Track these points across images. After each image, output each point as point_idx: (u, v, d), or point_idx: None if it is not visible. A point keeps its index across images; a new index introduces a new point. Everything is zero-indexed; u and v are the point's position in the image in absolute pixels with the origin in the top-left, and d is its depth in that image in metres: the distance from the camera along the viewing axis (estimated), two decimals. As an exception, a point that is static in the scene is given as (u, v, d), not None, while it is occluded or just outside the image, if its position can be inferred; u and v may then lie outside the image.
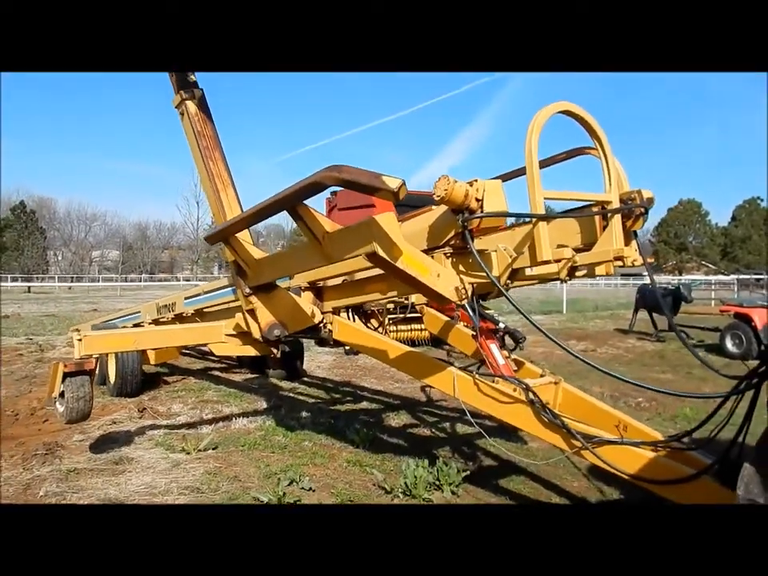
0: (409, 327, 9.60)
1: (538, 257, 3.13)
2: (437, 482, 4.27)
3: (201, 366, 9.49)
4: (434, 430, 5.89)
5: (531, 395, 3.53)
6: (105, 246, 68.89)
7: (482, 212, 3.07)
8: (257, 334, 4.57)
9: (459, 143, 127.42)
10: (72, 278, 54.32)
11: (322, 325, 4.72)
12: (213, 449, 5.15)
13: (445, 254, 3.54)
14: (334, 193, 12.45)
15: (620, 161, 3.38)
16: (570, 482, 4.54)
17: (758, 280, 26.67)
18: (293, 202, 3.27)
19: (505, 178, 3.69)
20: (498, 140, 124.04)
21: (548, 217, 3.15)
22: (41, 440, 5.33)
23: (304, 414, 6.40)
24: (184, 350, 9.12)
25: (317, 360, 10.16)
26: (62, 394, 4.59)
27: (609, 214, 3.23)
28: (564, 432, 3.35)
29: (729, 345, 10.98)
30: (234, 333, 5.21)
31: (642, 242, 3.42)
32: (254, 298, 4.49)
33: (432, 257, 3.47)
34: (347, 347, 11.04)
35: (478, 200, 3.07)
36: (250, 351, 6.32)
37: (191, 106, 4.53)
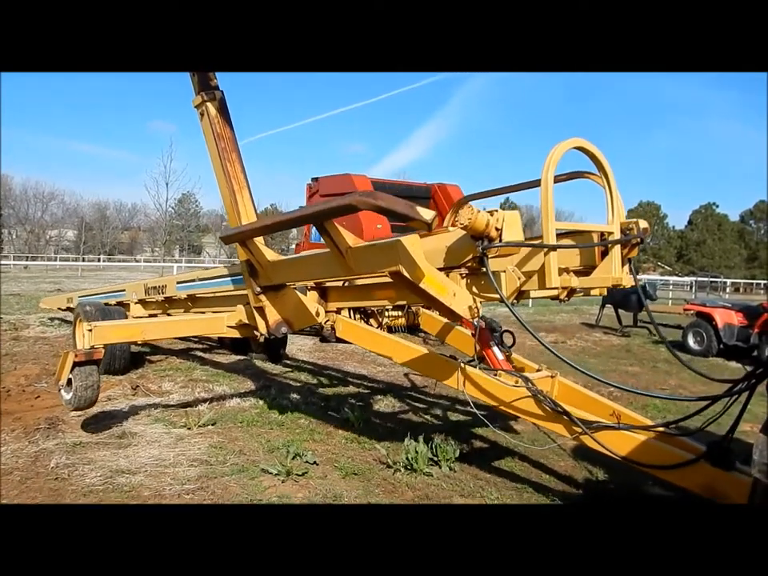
0: (386, 315, 9.89)
1: (546, 283, 3.39)
2: (434, 459, 4.51)
3: (182, 346, 9.51)
4: (422, 414, 6.11)
5: (532, 386, 3.79)
6: (62, 225, 66.83)
7: (500, 241, 3.34)
8: (263, 330, 4.75)
9: (422, 136, 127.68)
10: (27, 257, 52.66)
11: (325, 322, 4.90)
12: (212, 424, 5.28)
13: (460, 274, 3.81)
14: (315, 179, 12.53)
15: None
16: (556, 461, 4.83)
17: (713, 282, 27.79)
18: (323, 218, 3.50)
19: (510, 189, 3.96)
20: (461, 133, 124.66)
21: (559, 247, 3.42)
22: (37, 415, 5.36)
23: (294, 394, 6.56)
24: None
25: (297, 343, 10.29)
26: (68, 382, 4.70)
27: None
28: (565, 419, 3.61)
29: (691, 342, 11.55)
30: (236, 325, 5.38)
31: None
32: (263, 297, 4.65)
33: (448, 275, 3.74)
34: (322, 336, 11.22)
35: (497, 229, 3.34)
36: (234, 333, 6.43)
37: (212, 107, 4.59)
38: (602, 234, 3.53)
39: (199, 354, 8.93)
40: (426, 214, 2.94)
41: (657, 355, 11.20)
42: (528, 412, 3.78)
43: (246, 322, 5.18)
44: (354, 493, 3.99)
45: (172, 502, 3.72)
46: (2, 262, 42.62)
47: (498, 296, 3.57)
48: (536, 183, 3.47)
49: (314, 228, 12.40)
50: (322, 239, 12.83)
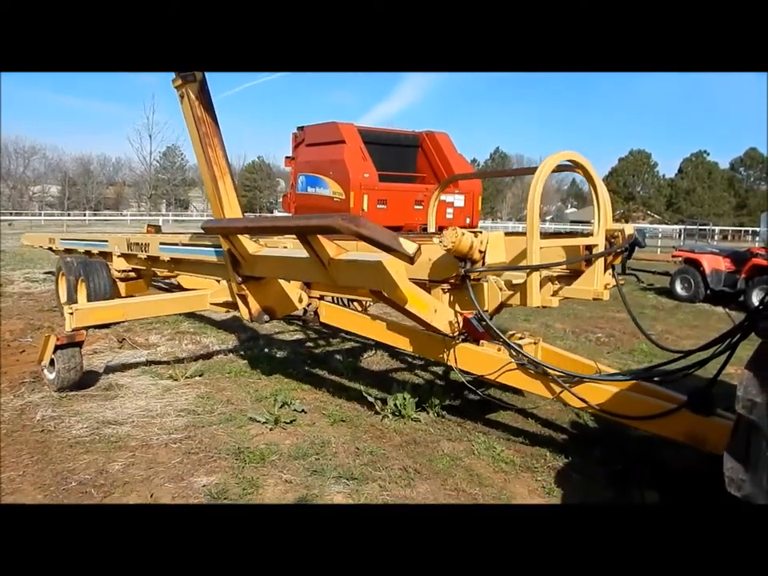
0: None
1: (528, 302, 3.46)
2: (423, 405, 4.52)
3: (170, 300, 9.43)
4: (413, 368, 6.08)
5: (513, 352, 3.75)
6: (45, 180, 65.51)
7: (483, 264, 3.41)
8: (246, 317, 4.73)
9: (410, 84, 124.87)
10: (11, 213, 51.76)
11: (308, 306, 4.85)
12: (200, 375, 5.27)
13: (442, 289, 3.80)
14: (300, 128, 12.25)
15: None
16: (543, 406, 4.85)
17: (701, 230, 27.84)
18: (305, 232, 3.46)
19: (498, 174, 3.89)
20: (450, 80, 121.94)
21: (542, 267, 3.44)
22: (22, 369, 5.31)
23: (283, 345, 6.55)
24: (152, 283, 9.03)
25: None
26: (51, 362, 4.70)
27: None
28: (546, 378, 3.60)
29: (678, 288, 11.62)
30: (219, 302, 5.38)
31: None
32: (245, 286, 4.58)
33: (430, 291, 3.77)
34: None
35: (480, 251, 3.39)
36: (219, 309, 6.32)
37: (192, 89, 4.37)
38: (588, 246, 3.61)
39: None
40: (409, 247, 2.95)
41: (645, 302, 11.27)
42: (513, 378, 3.75)
43: (230, 300, 5.14)
44: (341, 439, 4.01)
45: (159, 453, 3.73)
46: (-14, 219, 41.97)
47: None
48: (526, 171, 3.46)
49: (301, 178, 12.25)
50: (308, 190, 12.53)
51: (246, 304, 4.68)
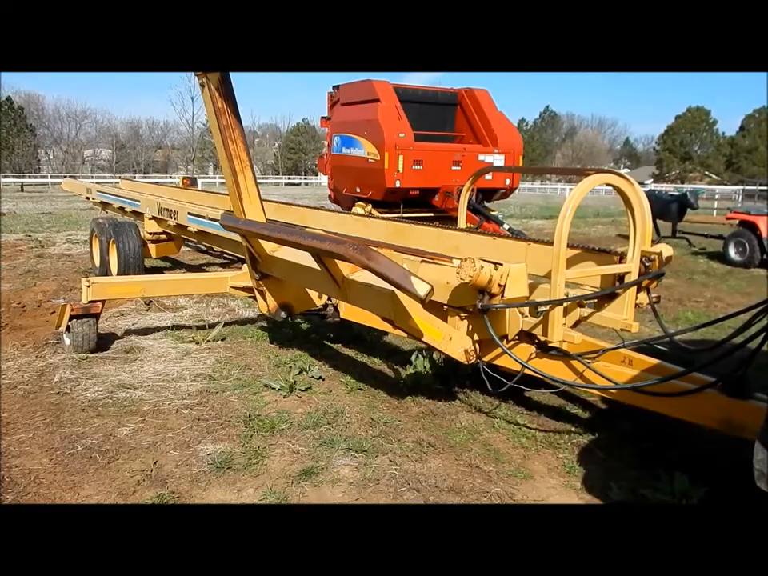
0: None
1: (550, 336, 3.24)
2: (445, 376, 4.32)
3: (203, 261, 9.45)
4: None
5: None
6: (96, 144, 66.89)
7: (502, 297, 3.23)
8: (264, 311, 4.61)
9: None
10: (65, 176, 53.17)
11: (329, 300, 4.69)
12: (222, 340, 5.20)
13: (460, 316, 3.58)
14: (336, 87, 11.94)
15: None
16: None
17: (762, 191, 26.32)
18: (317, 254, 3.39)
19: (538, 171, 3.60)
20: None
21: (566, 300, 3.22)
22: (50, 330, 5.35)
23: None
24: (185, 245, 9.05)
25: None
26: (68, 329, 4.76)
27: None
28: (570, 361, 3.45)
29: (732, 252, 10.95)
30: (240, 286, 5.30)
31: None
32: (263, 282, 4.45)
33: (446, 319, 3.60)
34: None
35: (500, 285, 3.20)
36: (239, 293, 6.20)
37: (213, 80, 4.16)
38: (620, 276, 3.32)
39: (218, 270, 8.83)
40: (421, 288, 2.75)
41: (695, 267, 10.69)
42: (536, 364, 3.52)
43: (251, 285, 5.06)
44: (356, 408, 3.87)
45: (170, 418, 3.67)
46: (40, 180, 43.29)
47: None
48: (572, 171, 3.16)
49: (336, 138, 11.99)
50: (344, 151, 12.26)
51: (265, 299, 4.61)
